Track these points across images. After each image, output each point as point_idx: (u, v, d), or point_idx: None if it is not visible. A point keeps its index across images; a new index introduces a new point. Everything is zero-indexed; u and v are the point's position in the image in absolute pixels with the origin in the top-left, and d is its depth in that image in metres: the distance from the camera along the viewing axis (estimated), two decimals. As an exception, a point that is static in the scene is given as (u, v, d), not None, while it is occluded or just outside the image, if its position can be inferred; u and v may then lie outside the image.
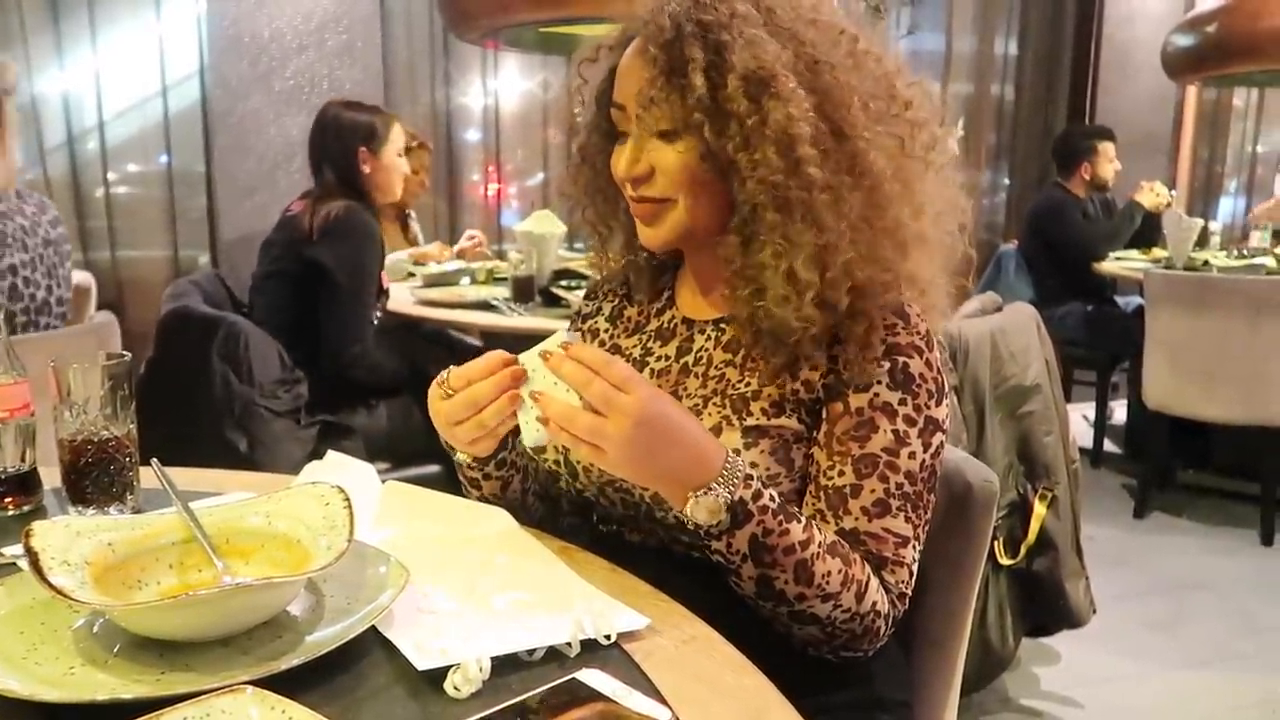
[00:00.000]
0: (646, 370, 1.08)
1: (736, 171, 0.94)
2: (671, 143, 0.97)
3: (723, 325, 1.05)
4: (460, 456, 1.04)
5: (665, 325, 1.11)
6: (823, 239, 0.93)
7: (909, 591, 0.96)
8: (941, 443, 0.98)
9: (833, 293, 0.94)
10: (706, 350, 1.05)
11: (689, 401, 1.02)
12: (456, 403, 0.92)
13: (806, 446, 0.98)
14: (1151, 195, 4.06)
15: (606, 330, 1.16)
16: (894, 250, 0.96)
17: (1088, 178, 4.15)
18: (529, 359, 0.89)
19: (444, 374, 0.95)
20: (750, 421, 0.97)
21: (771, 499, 0.88)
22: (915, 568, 0.96)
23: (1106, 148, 4.13)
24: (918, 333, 0.98)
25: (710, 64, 0.92)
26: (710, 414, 0.99)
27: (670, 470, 0.86)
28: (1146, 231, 4.17)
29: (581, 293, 1.26)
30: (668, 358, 1.08)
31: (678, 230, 1.00)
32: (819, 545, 0.89)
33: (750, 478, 0.88)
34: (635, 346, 1.11)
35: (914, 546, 0.95)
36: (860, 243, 0.94)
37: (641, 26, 0.97)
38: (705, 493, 0.85)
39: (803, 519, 0.90)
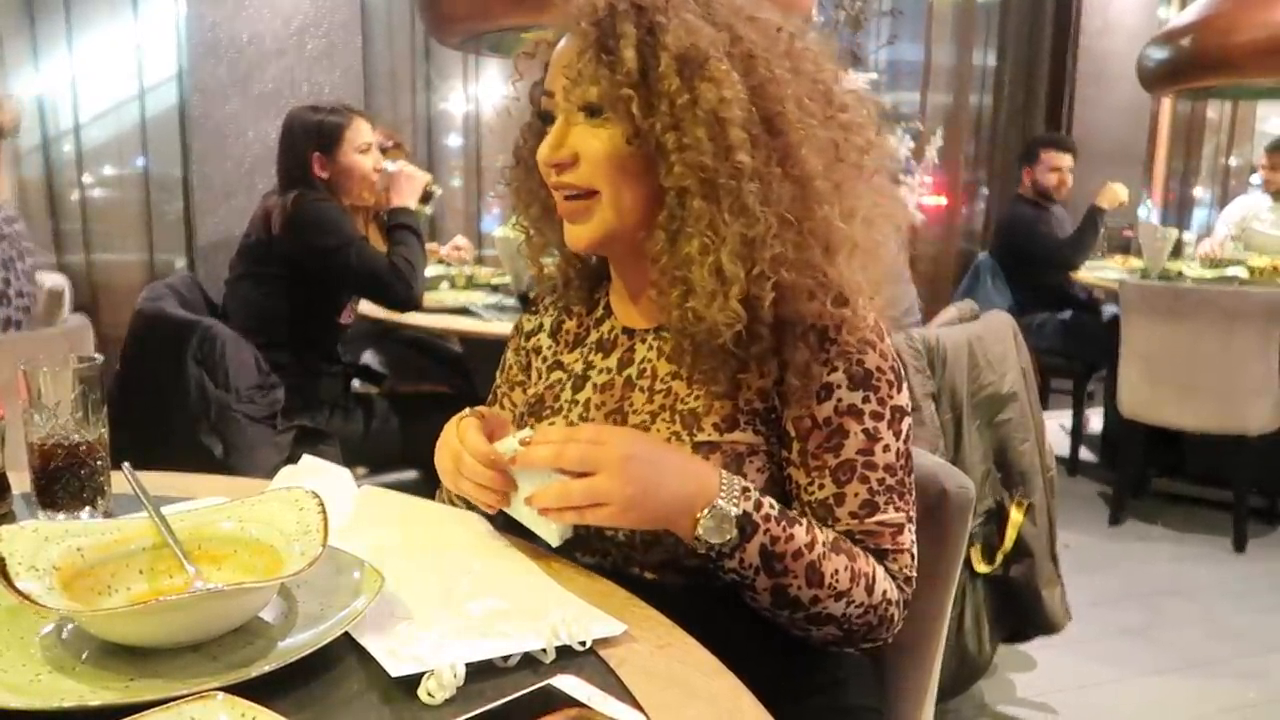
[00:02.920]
0: (589, 385, 1.05)
1: (664, 154, 0.92)
2: (597, 126, 0.94)
3: (663, 333, 1.03)
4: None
5: (606, 336, 1.08)
6: (750, 231, 0.91)
7: (914, 574, 0.97)
8: (911, 426, 0.98)
9: (757, 289, 0.92)
10: (650, 361, 1.03)
11: (636, 418, 1.01)
12: (452, 456, 0.95)
13: (760, 459, 0.96)
14: (1109, 194, 4.11)
15: (549, 346, 1.13)
16: (821, 252, 0.94)
17: (1028, 182, 4.21)
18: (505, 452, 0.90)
19: (465, 414, 0.98)
20: (701, 437, 0.96)
21: (771, 506, 0.89)
22: (915, 549, 0.97)
23: (1050, 156, 4.15)
24: (866, 325, 0.97)
25: (643, 41, 0.91)
26: (659, 429, 0.98)
27: (673, 501, 0.87)
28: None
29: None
30: (609, 370, 1.05)
31: (604, 228, 0.98)
32: (823, 545, 0.90)
33: (747, 489, 0.88)
34: (577, 361, 1.09)
35: (909, 530, 0.96)
36: (788, 239, 0.93)
37: (576, 11, 0.96)
38: (711, 511, 0.86)
39: (803, 521, 0.90)
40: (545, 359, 1.13)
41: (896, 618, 0.95)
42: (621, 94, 0.91)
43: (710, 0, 0.95)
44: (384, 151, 3.31)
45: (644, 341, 1.05)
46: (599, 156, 0.95)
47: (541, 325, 1.15)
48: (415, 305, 2.47)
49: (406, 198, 2.56)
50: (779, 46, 0.95)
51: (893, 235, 1.02)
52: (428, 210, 2.94)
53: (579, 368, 1.08)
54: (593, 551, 1.01)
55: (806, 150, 0.93)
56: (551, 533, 0.91)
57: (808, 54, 0.97)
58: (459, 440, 0.94)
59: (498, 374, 1.20)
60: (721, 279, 0.92)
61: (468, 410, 1.01)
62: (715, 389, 0.97)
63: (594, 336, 1.09)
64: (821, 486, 0.95)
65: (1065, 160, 4.17)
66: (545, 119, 1.00)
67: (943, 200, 4.96)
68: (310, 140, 2.42)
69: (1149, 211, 4.97)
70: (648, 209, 0.96)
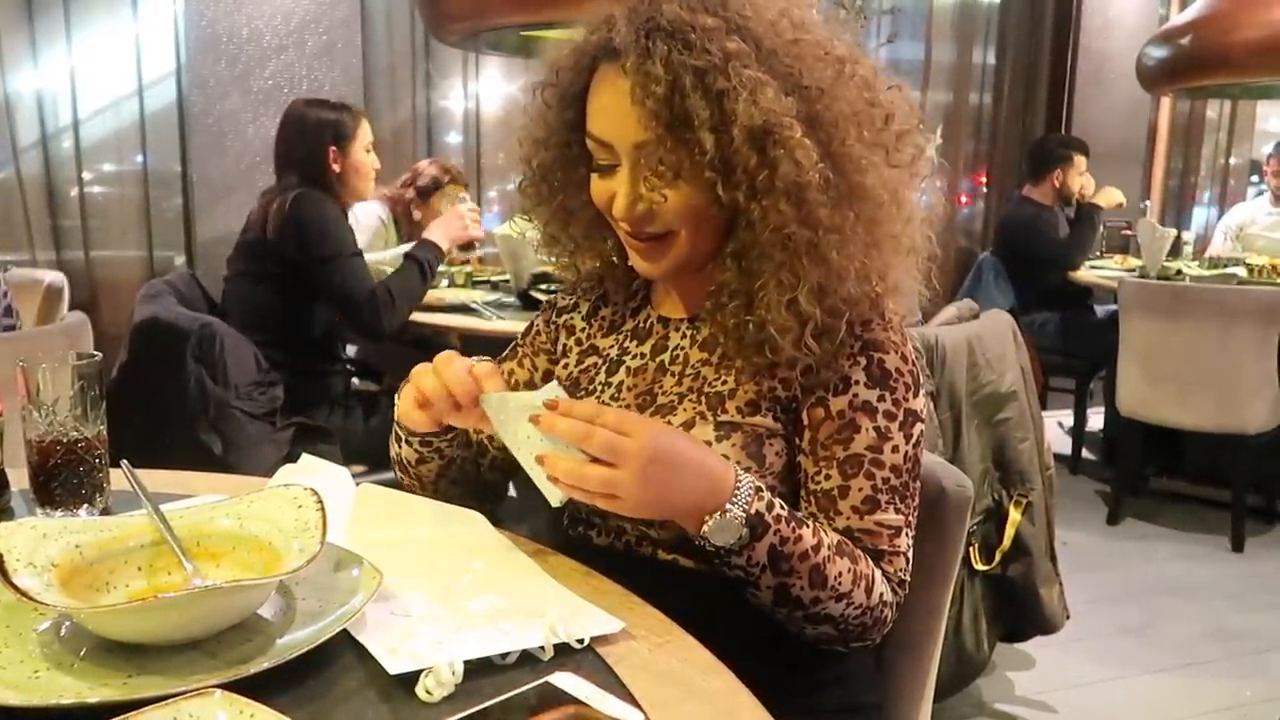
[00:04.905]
0: (623, 369, 1.08)
1: (746, 218, 0.93)
2: (671, 185, 0.94)
3: (698, 323, 1.05)
4: (397, 414, 1.06)
5: (641, 324, 1.11)
6: (828, 277, 0.93)
7: (907, 577, 0.98)
8: (922, 432, 0.99)
9: (832, 320, 0.95)
10: (683, 349, 1.06)
11: (665, 399, 1.03)
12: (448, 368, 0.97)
13: (779, 444, 0.98)
14: (1106, 195, 4.12)
15: (583, 329, 1.16)
16: (883, 263, 0.97)
17: (1057, 186, 4.19)
18: (512, 411, 0.89)
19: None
20: (724, 418, 0.98)
21: (782, 507, 0.89)
22: (910, 553, 0.98)
23: (1080, 160, 4.17)
24: (892, 327, 0.99)
25: (714, 117, 0.89)
26: (685, 409, 1.00)
27: (685, 502, 0.86)
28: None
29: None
30: (644, 356, 1.08)
31: (679, 261, 1.00)
32: (828, 548, 0.90)
33: (761, 489, 0.88)
34: (612, 346, 1.12)
35: (906, 534, 0.97)
36: (860, 270, 0.95)
37: (627, 67, 0.91)
38: (722, 515, 0.86)
39: (809, 524, 0.91)
40: (579, 340, 1.15)
41: (889, 619, 0.96)
42: (705, 177, 0.92)
43: (758, 35, 0.92)
44: (438, 186, 3.31)
45: (678, 330, 1.08)
46: (678, 208, 0.95)
47: (576, 305, 1.18)
48: (379, 337, 2.45)
49: (441, 237, 2.55)
50: (827, 68, 0.94)
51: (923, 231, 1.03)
52: (464, 257, 2.98)
53: (614, 352, 1.11)
54: (606, 532, 1.03)
55: (870, 179, 0.93)
56: (553, 494, 0.88)
57: (846, 62, 0.96)
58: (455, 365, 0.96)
59: (520, 337, 1.21)
60: (798, 315, 0.93)
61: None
62: (744, 375, 0.99)
63: (630, 324, 1.12)
64: (828, 477, 0.96)
65: (1085, 164, 4.19)
66: (590, 157, 1.00)
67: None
68: (328, 134, 2.43)
69: (1149, 210, 4.97)
70: (720, 240, 0.98)
